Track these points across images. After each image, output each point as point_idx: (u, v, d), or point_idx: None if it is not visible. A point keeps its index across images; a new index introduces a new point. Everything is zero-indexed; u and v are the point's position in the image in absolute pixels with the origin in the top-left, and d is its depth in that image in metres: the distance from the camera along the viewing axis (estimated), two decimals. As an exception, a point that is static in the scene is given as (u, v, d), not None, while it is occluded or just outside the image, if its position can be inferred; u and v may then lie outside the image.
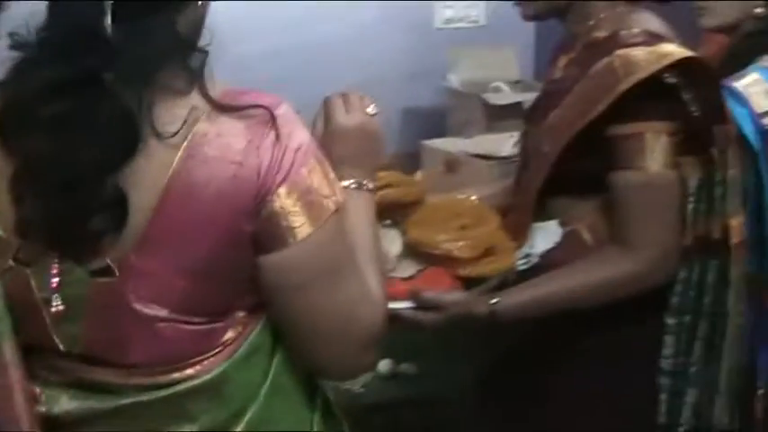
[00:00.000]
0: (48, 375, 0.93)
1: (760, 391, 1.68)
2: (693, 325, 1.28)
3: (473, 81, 2.75)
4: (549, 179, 1.28)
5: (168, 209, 0.83)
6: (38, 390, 0.92)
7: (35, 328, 0.90)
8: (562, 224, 1.32)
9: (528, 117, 1.45)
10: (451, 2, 3.05)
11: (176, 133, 0.82)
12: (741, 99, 1.65)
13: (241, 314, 0.91)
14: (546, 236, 1.32)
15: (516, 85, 2.76)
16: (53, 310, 0.88)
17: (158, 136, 0.82)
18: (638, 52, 1.18)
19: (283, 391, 0.95)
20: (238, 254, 0.86)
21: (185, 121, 0.82)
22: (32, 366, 0.92)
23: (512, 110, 2.50)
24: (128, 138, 0.81)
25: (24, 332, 0.91)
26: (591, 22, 1.29)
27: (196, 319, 0.88)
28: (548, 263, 1.25)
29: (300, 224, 0.84)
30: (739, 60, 1.75)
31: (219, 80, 0.89)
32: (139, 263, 0.85)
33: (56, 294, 0.87)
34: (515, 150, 1.56)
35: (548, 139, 1.29)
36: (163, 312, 0.87)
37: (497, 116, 2.56)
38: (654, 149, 1.20)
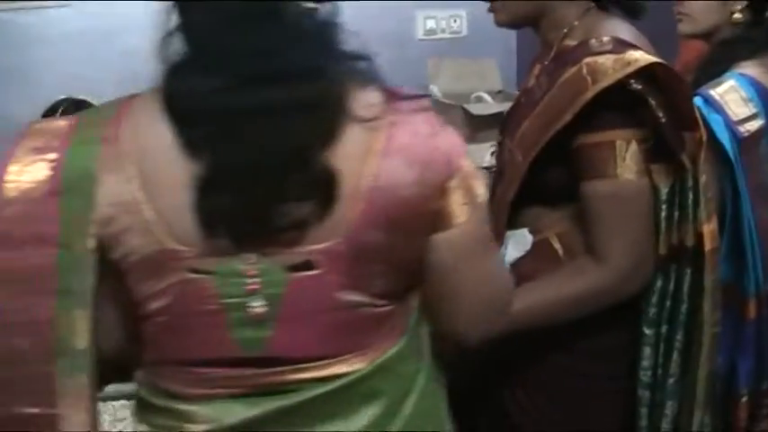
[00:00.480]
0: (213, 388, 0.94)
1: (743, 399, 1.71)
2: (671, 335, 1.29)
3: (455, 91, 2.79)
4: (522, 188, 1.29)
5: (371, 193, 0.88)
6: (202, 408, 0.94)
7: (206, 339, 0.92)
8: (533, 233, 1.33)
9: (502, 127, 1.46)
10: (433, 13, 3.10)
11: (373, 119, 0.88)
12: (717, 106, 1.68)
13: (407, 296, 0.98)
14: (516, 244, 1.33)
15: (498, 95, 2.81)
16: (255, 311, 0.90)
17: (358, 121, 0.87)
18: (605, 60, 1.19)
19: (432, 375, 1.03)
20: (425, 233, 0.94)
21: (377, 108, 0.89)
22: (191, 384, 0.94)
23: (494, 120, 2.52)
24: (332, 122, 0.86)
25: (187, 347, 0.93)
26: (564, 30, 1.31)
27: (382, 303, 0.95)
28: (518, 272, 1.26)
29: (466, 203, 0.94)
30: (716, 67, 1.79)
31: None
32: (344, 250, 0.89)
33: (254, 296, 0.90)
34: (494, 160, 1.59)
35: (520, 149, 1.30)
36: (362, 298, 0.93)
37: (479, 126, 2.59)
38: (624, 157, 1.21)
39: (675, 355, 1.29)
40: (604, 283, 1.24)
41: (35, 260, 0.90)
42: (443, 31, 3.14)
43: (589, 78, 1.19)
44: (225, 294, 0.90)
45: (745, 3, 1.82)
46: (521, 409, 1.35)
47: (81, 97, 2.65)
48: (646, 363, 1.30)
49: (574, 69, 1.22)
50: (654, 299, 1.29)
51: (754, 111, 1.71)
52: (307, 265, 0.89)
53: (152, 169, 0.89)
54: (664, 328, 1.29)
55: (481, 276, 1.00)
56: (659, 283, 1.28)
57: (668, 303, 1.29)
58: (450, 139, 0.94)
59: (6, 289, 0.91)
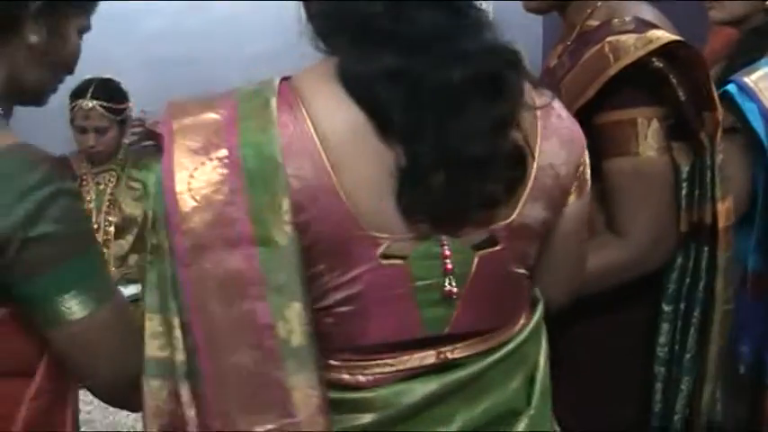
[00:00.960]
0: (390, 372, 0.95)
1: (771, 388, 1.77)
2: (688, 312, 1.35)
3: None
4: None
5: (537, 172, 0.97)
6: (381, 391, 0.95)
7: (393, 324, 0.94)
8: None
9: (526, 107, 1.55)
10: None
11: (544, 106, 0.98)
12: (751, 94, 1.68)
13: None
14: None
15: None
16: (452, 290, 0.93)
17: (526, 107, 0.95)
18: (627, 38, 1.25)
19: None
20: (564, 206, 1.04)
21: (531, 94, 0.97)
22: (365, 371, 0.96)
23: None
24: (516, 104, 0.94)
25: (368, 333, 0.94)
26: (587, 12, 1.38)
27: (529, 273, 1.04)
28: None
29: (586, 178, 1.06)
30: (748, 55, 1.80)
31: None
32: (517, 225, 0.96)
33: (449, 276, 0.94)
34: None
35: None
36: (523, 270, 1.02)
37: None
38: (646, 135, 1.27)
39: (692, 332, 1.35)
40: (626, 257, 1.30)
41: (235, 265, 0.88)
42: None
43: (611, 56, 1.26)
44: (419, 277, 0.93)
45: (778, -10, 1.87)
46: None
47: (107, 76, 2.76)
48: (663, 339, 1.37)
49: (596, 48, 1.28)
50: (674, 275, 1.35)
51: (787, 98, 1.74)
52: (490, 242, 0.96)
53: (342, 154, 0.89)
54: (682, 305, 1.36)
55: (582, 246, 1.13)
56: (679, 261, 1.35)
57: (687, 280, 1.35)
58: (576, 123, 1.05)
59: (216, 301, 0.88)
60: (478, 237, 0.95)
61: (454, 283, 0.94)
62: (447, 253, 0.93)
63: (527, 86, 0.98)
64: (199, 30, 3.18)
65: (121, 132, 2.76)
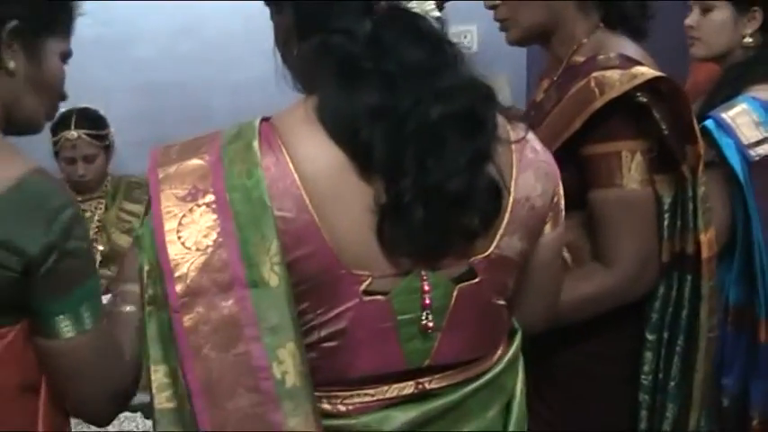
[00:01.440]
0: (372, 401, 0.99)
1: (754, 422, 1.81)
2: (672, 340, 1.41)
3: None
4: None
5: (513, 205, 1.01)
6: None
7: (375, 358, 0.98)
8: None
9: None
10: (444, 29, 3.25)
11: (519, 141, 1.03)
12: (728, 129, 1.78)
13: None
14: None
15: (509, 110, 2.95)
16: (428, 324, 0.97)
17: (501, 141, 1.00)
18: (612, 74, 1.33)
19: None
20: (539, 237, 1.09)
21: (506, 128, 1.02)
22: (347, 400, 0.99)
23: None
24: (492, 139, 0.98)
25: (351, 367, 0.97)
26: (572, 47, 1.46)
27: (506, 303, 1.07)
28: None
29: (561, 209, 1.11)
30: (728, 90, 1.90)
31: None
32: (495, 257, 1.00)
33: (427, 311, 0.97)
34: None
35: None
36: (501, 300, 1.05)
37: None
38: (629, 167, 1.34)
39: (676, 359, 1.41)
40: (612, 285, 1.37)
41: (228, 309, 0.90)
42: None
43: (597, 90, 1.33)
44: (400, 311, 0.97)
45: (757, 26, 1.96)
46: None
47: (93, 105, 2.82)
48: (647, 367, 1.42)
49: (582, 82, 1.36)
50: (657, 305, 1.41)
51: (765, 134, 1.81)
52: (469, 274, 1.00)
53: (324, 194, 0.92)
54: (666, 334, 1.42)
55: (558, 275, 1.18)
56: (662, 290, 1.41)
57: (670, 309, 1.41)
58: (551, 156, 1.10)
59: (211, 345, 0.90)
60: (458, 270, 0.99)
61: (431, 318, 0.98)
62: (426, 288, 0.97)
63: (502, 120, 1.02)
64: (190, 55, 3.25)
65: (107, 158, 2.83)
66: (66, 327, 1.07)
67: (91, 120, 2.77)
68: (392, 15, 0.97)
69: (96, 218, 2.79)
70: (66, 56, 1.20)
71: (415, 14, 0.98)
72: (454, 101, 0.94)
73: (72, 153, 2.75)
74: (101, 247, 2.71)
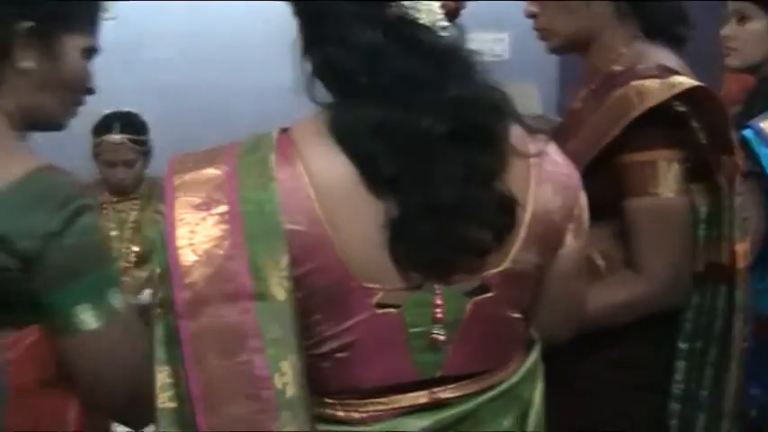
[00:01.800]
0: (385, 410, 1.02)
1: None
2: (705, 350, 1.44)
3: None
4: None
5: (531, 219, 1.02)
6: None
7: (387, 369, 1.00)
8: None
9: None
10: (476, 35, 3.31)
11: (537, 154, 1.03)
12: (766, 139, 1.81)
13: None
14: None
15: (538, 119, 3.00)
16: (437, 338, 0.99)
17: (518, 154, 1.01)
18: (651, 83, 1.36)
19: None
20: (558, 249, 1.09)
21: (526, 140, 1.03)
22: (361, 408, 1.02)
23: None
24: (504, 152, 0.99)
25: (364, 377, 1.00)
26: (611, 57, 1.48)
27: (524, 315, 1.09)
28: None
29: (582, 221, 1.12)
30: (764, 100, 1.93)
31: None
32: (511, 272, 1.01)
33: (437, 325, 1.00)
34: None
35: None
36: (517, 313, 1.07)
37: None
38: (666, 176, 1.37)
39: (709, 369, 1.44)
40: (645, 293, 1.39)
41: (233, 318, 0.93)
42: (485, 54, 3.34)
43: (636, 99, 1.36)
44: (412, 324, 0.99)
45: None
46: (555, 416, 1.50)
47: (113, 109, 2.86)
48: (679, 376, 1.45)
49: (621, 91, 1.39)
50: (690, 314, 1.44)
51: (803, 145, 1.81)
52: (483, 289, 1.01)
53: (336, 208, 0.95)
54: (699, 343, 1.44)
55: (580, 285, 1.19)
56: (696, 299, 1.44)
57: (703, 319, 1.44)
58: (572, 167, 1.10)
59: (214, 353, 0.93)
60: (471, 284, 1.00)
61: (443, 332, 1.00)
62: (438, 302, 0.99)
63: (520, 132, 1.03)
64: (205, 58, 3.30)
65: (146, 162, 2.87)
66: (82, 318, 1.08)
67: (134, 125, 2.83)
68: (396, 26, 0.96)
69: (132, 219, 2.84)
70: (90, 52, 1.20)
71: (420, 25, 0.97)
72: (459, 114, 0.95)
73: (113, 157, 2.80)
74: (136, 248, 2.75)
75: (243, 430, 0.93)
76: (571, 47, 1.55)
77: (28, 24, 1.11)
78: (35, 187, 1.07)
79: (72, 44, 1.17)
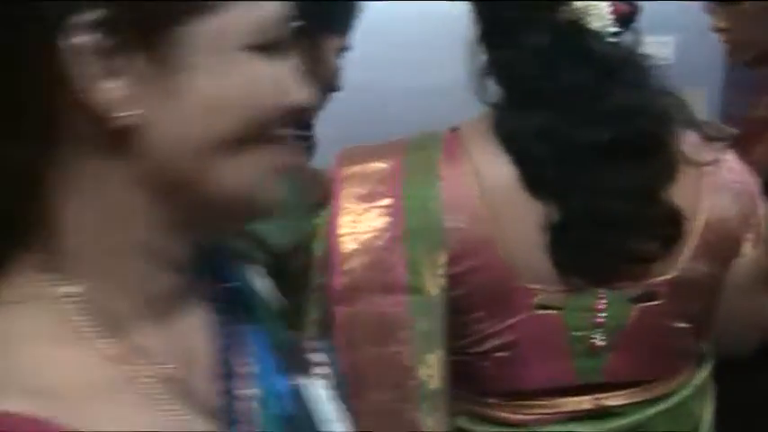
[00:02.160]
0: (546, 413, 1.05)
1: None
2: None
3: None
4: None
5: (704, 228, 1.02)
6: None
7: (548, 371, 1.02)
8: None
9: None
10: (643, 39, 3.27)
11: (711, 162, 1.02)
12: None
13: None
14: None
15: (711, 126, 2.92)
16: (596, 343, 1.01)
17: (689, 162, 1.00)
18: None
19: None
20: (734, 259, 1.08)
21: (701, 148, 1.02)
22: (524, 410, 1.05)
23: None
24: (673, 162, 1.00)
25: (525, 378, 1.03)
26: None
27: (694, 326, 1.07)
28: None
29: (760, 231, 1.09)
30: None
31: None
32: (680, 281, 1.01)
33: (598, 329, 1.01)
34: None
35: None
36: (686, 324, 1.06)
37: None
38: None
39: None
40: None
41: (386, 309, 0.98)
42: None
43: None
44: (573, 327, 1.00)
45: None
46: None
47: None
48: None
49: None
50: None
51: None
52: (649, 296, 1.02)
53: (500, 208, 0.97)
54: None
55: (760, 297, 1.14)
56: None
57: None
58: (751, 174, 1.09)
59: (366, 339, 0.98)
60: (636, 290, 1.01)
61: (603, 337, 1.01)
62: (600, 306, 1.01)
63: (695, 140, 1.02)
64: (375, 57, 3.41)
65: (310, 157, 3.03)
66: None
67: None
68: (564, 31, 0.98)
69: None
70: (344, 50, 1.25)
71: (589, 31, 0.98)
72: (624, 123, 0.96)
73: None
74: None
75: (382, 416, 0.98)
76: (759, 61, 1.55)
77: (296, 24, 1.23)
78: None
79: (331, 46, 1.23)
